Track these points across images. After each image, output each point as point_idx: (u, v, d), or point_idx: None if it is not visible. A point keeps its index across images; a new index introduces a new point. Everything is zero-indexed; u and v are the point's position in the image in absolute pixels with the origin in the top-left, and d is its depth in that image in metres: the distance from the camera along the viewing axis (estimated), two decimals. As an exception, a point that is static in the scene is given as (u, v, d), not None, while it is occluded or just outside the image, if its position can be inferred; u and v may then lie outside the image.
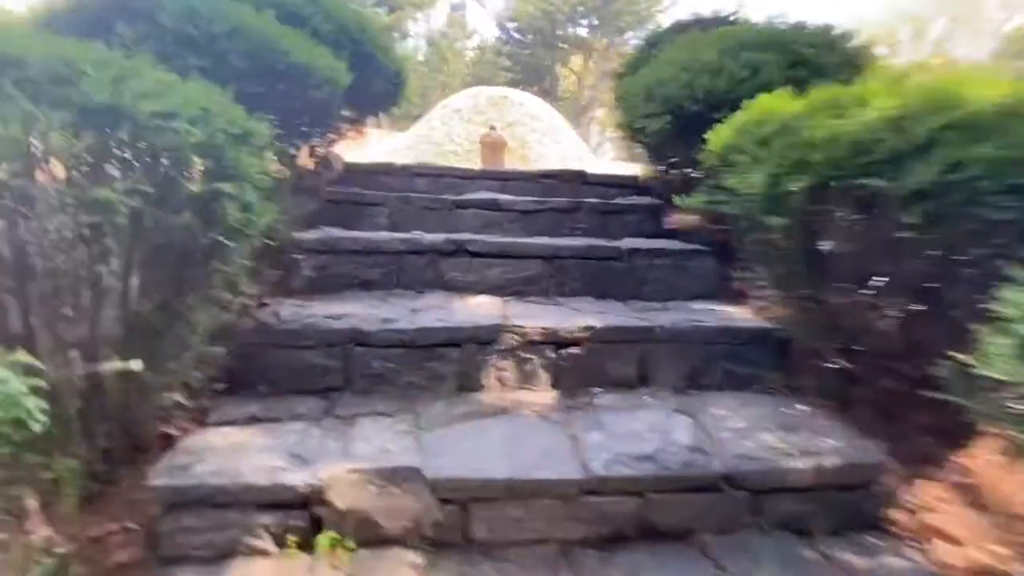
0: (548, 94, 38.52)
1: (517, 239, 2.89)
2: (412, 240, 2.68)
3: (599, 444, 1.75)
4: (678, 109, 2.66)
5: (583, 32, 33.51)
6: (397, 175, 3.88)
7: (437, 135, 10.97)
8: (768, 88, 2.31)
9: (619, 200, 3.66)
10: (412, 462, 1.60)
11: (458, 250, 2.73)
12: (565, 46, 34.20)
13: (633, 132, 3.36)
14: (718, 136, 2.06)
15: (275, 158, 3.00)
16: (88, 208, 1.39)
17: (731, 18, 3.92)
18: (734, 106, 2.48)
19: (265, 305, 2.53)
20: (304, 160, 4.09)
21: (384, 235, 2.75)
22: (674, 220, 3.64)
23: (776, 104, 1.83)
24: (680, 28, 4.06)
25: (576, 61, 36.22)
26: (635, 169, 10.13)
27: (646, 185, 4.09)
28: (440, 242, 2.70)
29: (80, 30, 2.09)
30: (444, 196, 3.39)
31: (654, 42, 4.16)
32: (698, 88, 2.54)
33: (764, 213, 1.64)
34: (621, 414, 1.97)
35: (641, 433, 1.80)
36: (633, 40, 34.78)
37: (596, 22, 32.20)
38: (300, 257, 2.57)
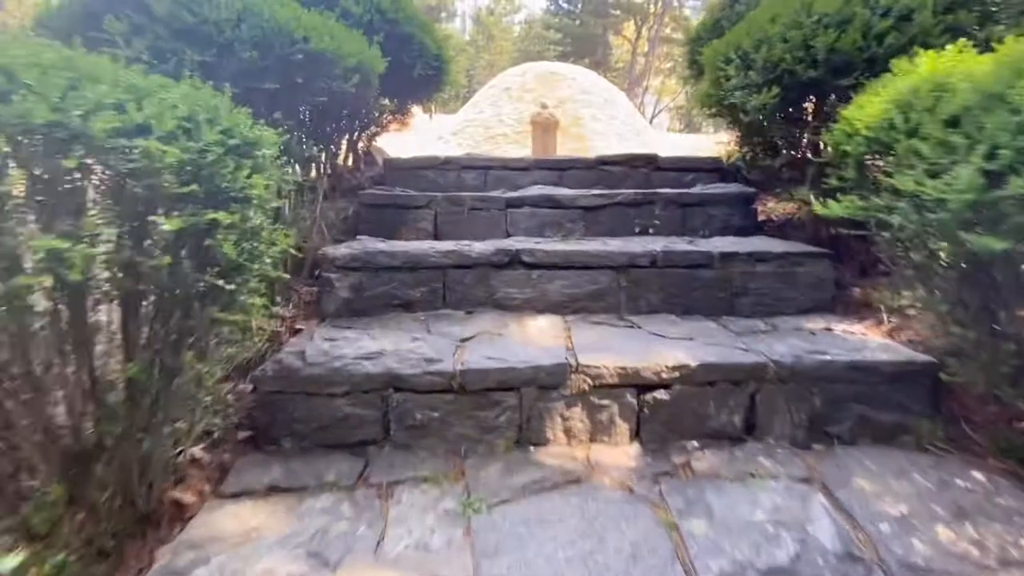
0: (600, 65, 36.97)
1: (581, 245, 2.43)
2: (458, 252, 2.28)
3: (707, 541, 1.30)
4: (788, 76, 2.07)
5: (636, -4, 31.60)
6: (442, 169, 3.49)
7: (486, 116, 10.51)
8: (924, 43, 1.71)
9: (699, 189, 3.10)
10: (460, 570, 1.23)
11: (512, 261, 2.31)
12: (617, 12, 32.46)
13: (723, 108, 2.78)
14: (864, 111, 1.49)
15: (297, 165, 2.69)
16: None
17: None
18: (870, 69, 1.88)
19: (298, 331, 2.23)
20: (343, 157, 3.79)
21: (426, 246, 2.36)
22: (775, 213, 3.06)
23: (962, 63, 1.27)
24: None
25: (629, 28, 34.34)
26: (707, 145, 9.31)
27: (731, 169, 3.49)
28: (491, 253, 2.29)
29: (74, 28, 1.81)
30: (494, 194, 2.96)
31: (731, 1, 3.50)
32: (818, 47, 1.94)
33: (963, 227, 1.10)
34: (730, 488, 1.50)
35: (764, 526, 1.34)
36: (692, 1, 32.53)
37: (650, -16, 30.21)
38: (334, 276, 2.24)
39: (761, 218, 3.07)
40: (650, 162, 3.53)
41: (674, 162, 3.53)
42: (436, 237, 2.89)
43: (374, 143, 4.19)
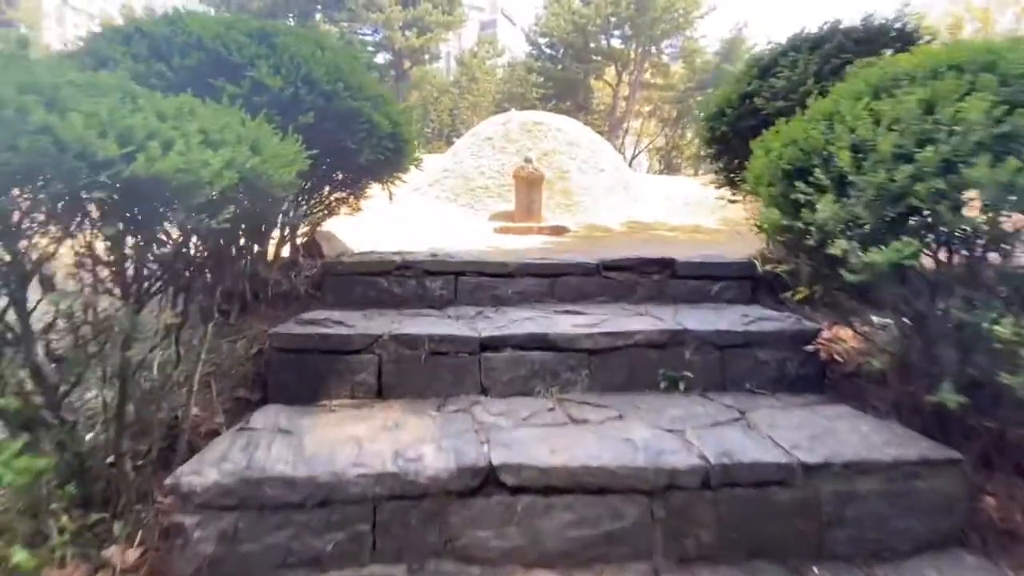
0: (582, 108, 37.33)
1: (594, 460, 1.56)
2: (399, 477, 1.42)
3: None
4: (917, 215, 1.32)
5: (616, 43, 32.17)
6: (399, 276, 2.65)
7: (466, 167, 9.84)
8: None
9: (740, 320, 2.29)
10: None
11: (485, 484, 1.46)
12: (598, 58, 32.92)
13: (799, 241, 2.00)
14: None
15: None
16: None
17: (911, 30, 2.56)
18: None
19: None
20: (274, 254, 2.94)
21: (348, 471, 1.47)
22: (841, 349, 2.27)
23: None
24: (813, 44, 2.70)
25: (610, 73, 34.87)
26: (698, 192, 8.63)
27: (766, 277, 2.73)
28: (451, 474, 1.44)
29: None
30: (464, 333, 2.11)
31: (767, 67, 2.82)
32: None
33: None
34: None
35: None
36: (670, 49, 33.24)
37: (630, 32, 30.81)
38: (190, 522, 1.35)
39: (822, 354, 2.30)
40: (665, 267, 2.75)
41: (695, 267, 2.75)
42: (380, 394, 2.02)
43: (320, 229, 3.36)
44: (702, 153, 3.32)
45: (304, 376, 2.01)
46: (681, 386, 2.06)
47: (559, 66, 32.75)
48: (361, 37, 29.11)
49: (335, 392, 2.01)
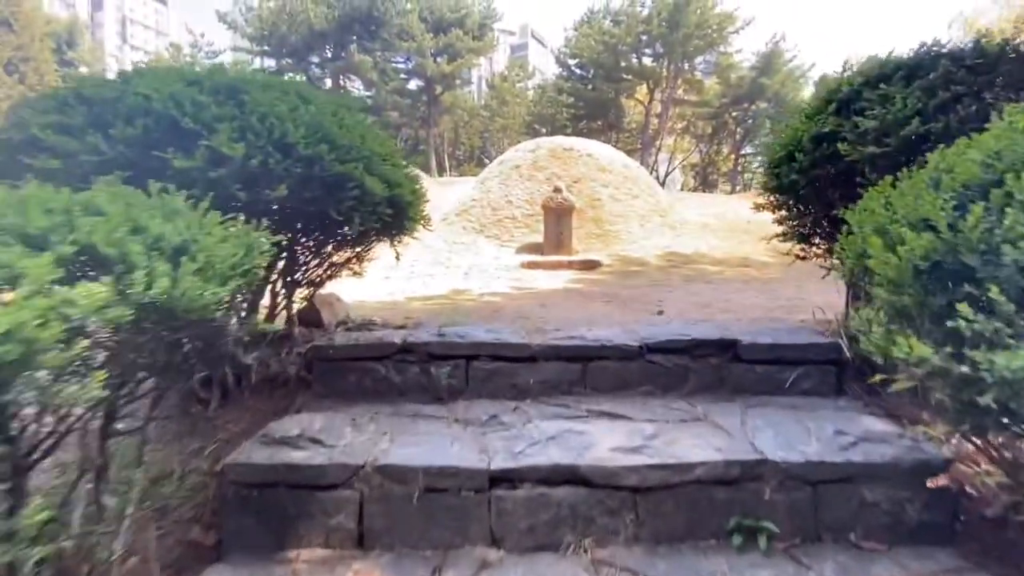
0: (613, 127, 36.89)
1: None
2: None
3: None
4: None
5: (648, 61, 31.69)
6: (401, 361, 2.22)
7: (493, 196, 9.49)
8: None
9: (839, 444, 1.73)
10: None
11: None
12: (629, 77, 32.48)
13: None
14: None
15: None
16: None
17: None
18: None
19: None
20: (265, 321, 2.56)
21: None
22: (978, 482, 1.68)
23: None
24: (908, 73, 2.15)
25: (641, 91, 34.36)
26: (744, 214, 8.02)
27: (858, 360, 2.16)
28: None
29: None
30: (468, 463, 1.63)
31: (846, 100, 2.28)
32: None
33: None
34: None
35: None
36: (703, 64, 32.50)
37: (661, 50, 30.30)
38: None
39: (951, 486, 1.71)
40: (725, 349, 2.21)
41: (763, 350, 2.20)
42: (361, 543, 1.57)
43: (322, 292, 2.98)
44: (763, 201, 2.77)
45: (267, 519, 1.57)
46: (761, 541, 1.52)
47: (589, 86, 32.46)
48: (394, 65, 29.68)
49: (305, 539, 1.56)
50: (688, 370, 2.20)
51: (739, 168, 41.10)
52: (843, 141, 2.15)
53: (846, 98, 2.30)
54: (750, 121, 36.39)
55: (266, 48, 26.64)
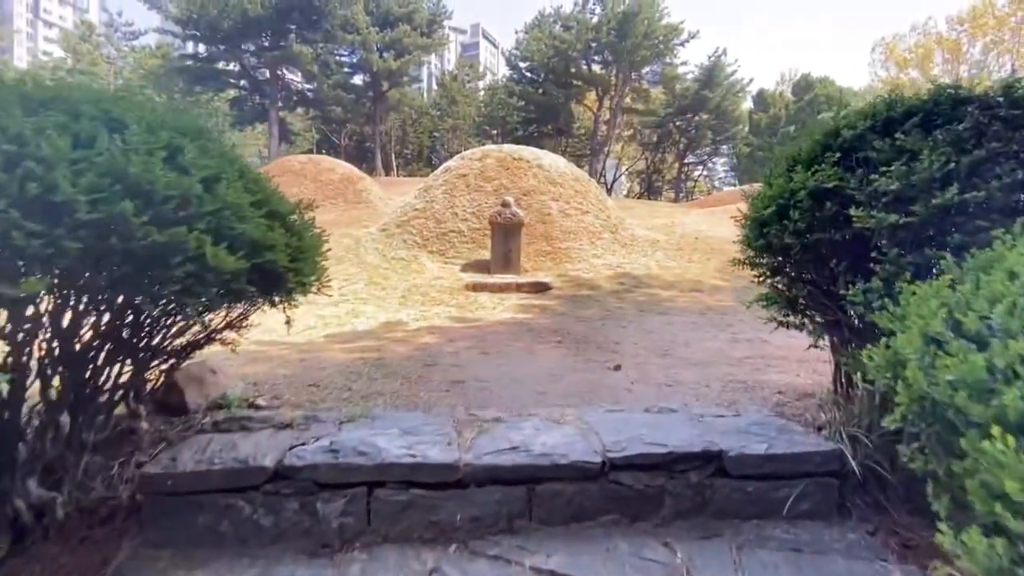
0: (563, 132, 36.89)
1: None
2: None
3: None
4: None
5: (597, 68, 31.82)
6: (272, 494, 1.57)
7: (438, 208, 8.80)
8: None
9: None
10: None
11: None
12: (579, 83, 32.51)
13: None
14: None
15: None
16: None
17: None
18: None
19: None
20: (101, 425, 1.83)
21: None
22: None
23: None
24: (924, 119, 1.75)
25: (591, 97, 34.51)
26: (689, 225, 7.79)
27: (863, 473, 1.73)
28: None
29: None
30: None
31: (850, 148, 1.86)
32: None
33: None
34: None
35: None
36: (650, 75, 33.00)
37: (610, 57, 30.48)
38: None
39: None
40: (709, 461, 1.73)
41: (754, 463, 1.72)
42: None
43: (182, 368, 2.24)
44: (742, 257, 2.31)
45: None
46: None
47: (540, 90, 32.20)
48: (338, 58, 28.14)
49: None
50: (663, 492, 1.69)
51: (683, 176, 42.32)
52: (852, 202, 1.71)
53: (849, 145, 1.86)
54: (693, 131, 37.46)
55: (195, 33, 24.50)
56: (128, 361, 1.78)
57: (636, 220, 14.54)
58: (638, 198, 44.79)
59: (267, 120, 27.42)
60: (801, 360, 3.21)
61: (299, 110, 32.75)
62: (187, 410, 2.17)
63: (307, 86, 28.56)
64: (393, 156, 37.86)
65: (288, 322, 2.12)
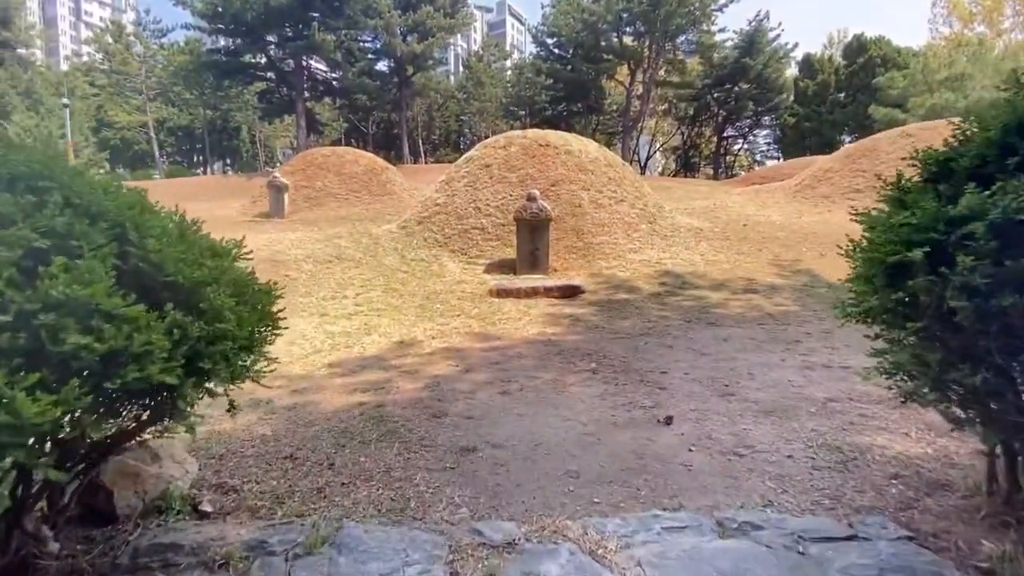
0: (593, 110, 35.49)
1: None
2: None
3: None
4: None
5: (629, 40, 30.18)
6: None
7: (459, 203, 8.22)
8: None
9: None
10: None
11: None
12: (610, 57, 30.97)
13: None
14: None
15: None
16: None
17: None
18: None
19: None
20: None
21: None
22: None
23: None
24: None
25: (622, 72, 32.88)
26: (734, 208, 6.98)
27: None
28: None
29: None
30: None
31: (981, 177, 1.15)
32: None
33: None
34: None
35: None
36: (685, 44, 31.07)
37: (643, 28, 28.80)
38: None
39: None
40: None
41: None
42: None
43: (115, 460, 1.77)
44: (854, 308, 1.62)
45: None
46: None
47: (568, 67, 30.85)
48: (361, 45, 27.63)
49: None
50: None
51: (722, 151, 40.15)
52: None
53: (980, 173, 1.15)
54: (733, 103, 35.29)
55: (220, 26, 24.43)
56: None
57: (675, 203, 13.58)
58: (674, 176, 42.92)
59: (295, 112, 27.32)
60: (903, 411, 2.50)
61: (326, 100, 32.58)
62: (116, 517, 1.69)
63: (332, 75, 28.26)
64: (420, 142, 37.40)
65: (231, 409, 1.58)
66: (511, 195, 7.91)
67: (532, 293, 5.79)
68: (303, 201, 13.60)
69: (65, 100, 23.10)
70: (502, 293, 5.80)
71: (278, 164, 45.98)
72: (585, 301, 5.57)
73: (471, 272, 6.79)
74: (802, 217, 9.72)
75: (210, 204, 18.63)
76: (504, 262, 6.99)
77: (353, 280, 6.41)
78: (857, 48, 28.62)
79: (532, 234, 6.69)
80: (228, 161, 40.27)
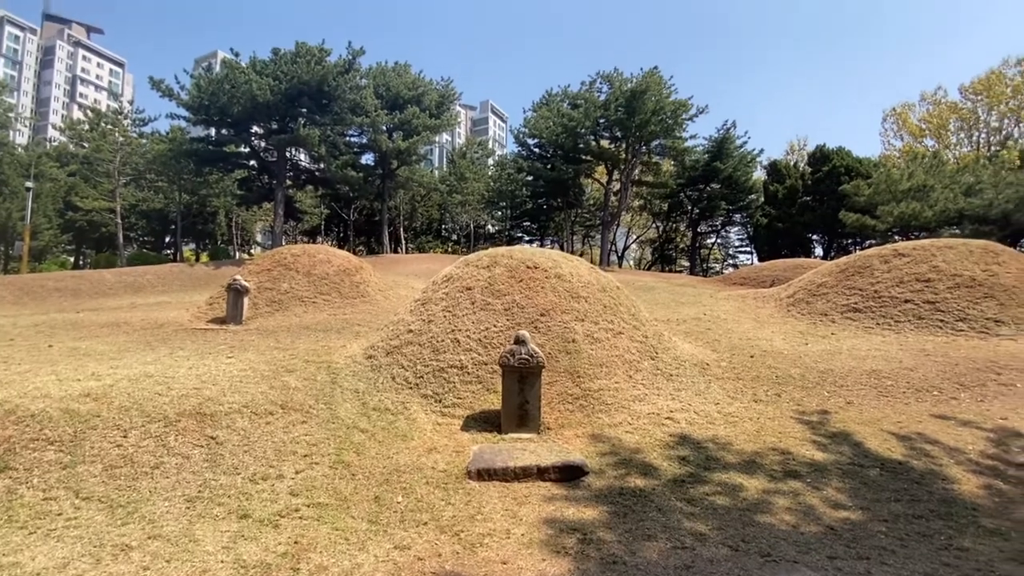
0: (573, 205, 36.15)
1: None
2: None
3: None
4: None
5: (606, 144, 31.40)
6: None
7: (436, 331, 7.14)
8: None
9: None
10: None
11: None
12: (588, 158, 32.03)
13: None
14: None
15: None
16: None
17: None
18: None
19: None
20: None
21: None
22: None
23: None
24: None
25: (600, 170, 33.97)
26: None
27: None
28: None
29: None
30: None
31: None
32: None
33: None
34: None
35: None
36: (658, 147, 32.45)
37: (619, 134, 30.08)
38: None
39: None
40: None
41: None
42: None
43: None
44: None
45: None
46: None
47: (548, 165, 31.71)
48: (346, 139, 27.95)
49: None
50: None
51: (697, 245, 41.06)
52: None
53: None
54: (705, 201, 36.55)
55: (205, 118, 24.39)
56: None
57: (664, 311, 12.77)
58: (651, 267, 43.43)
59: (274, 199, 26.83)
60: None
61: (308, 187, 32.44)
62: None
63: (316, 167, 28.24)
64: (402, 230, 37.20)
65: None
66: (495, 326, 6.88)
67: (523, 475, 4.53)
68: (265, 305, 12.37)
69: (29, 183, 22.11)
70: (484, 475, 4.52)
71: (253, 249, 45.00)
72: (590, 490, 4.33)
73: (446, 430, 5.53)
74: (808, 344, 8.88)
75: (163, 299, 17.21)
76: (487, 415, 5.78)
77: (297, 444, 5.05)
78: (820, 157, 30.26)
79: (521, 384, 5.56)
80: (204, 243, 39.17)
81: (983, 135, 30.33)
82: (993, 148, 29.27)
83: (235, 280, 11.76)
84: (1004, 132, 30.03)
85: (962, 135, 31.51)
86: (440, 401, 6.07)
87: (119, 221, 25.19)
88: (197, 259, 33.72)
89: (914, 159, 25.88)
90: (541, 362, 5.58)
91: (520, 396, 5.54)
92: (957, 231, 20.39)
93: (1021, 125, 29.20)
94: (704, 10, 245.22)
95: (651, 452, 5.02)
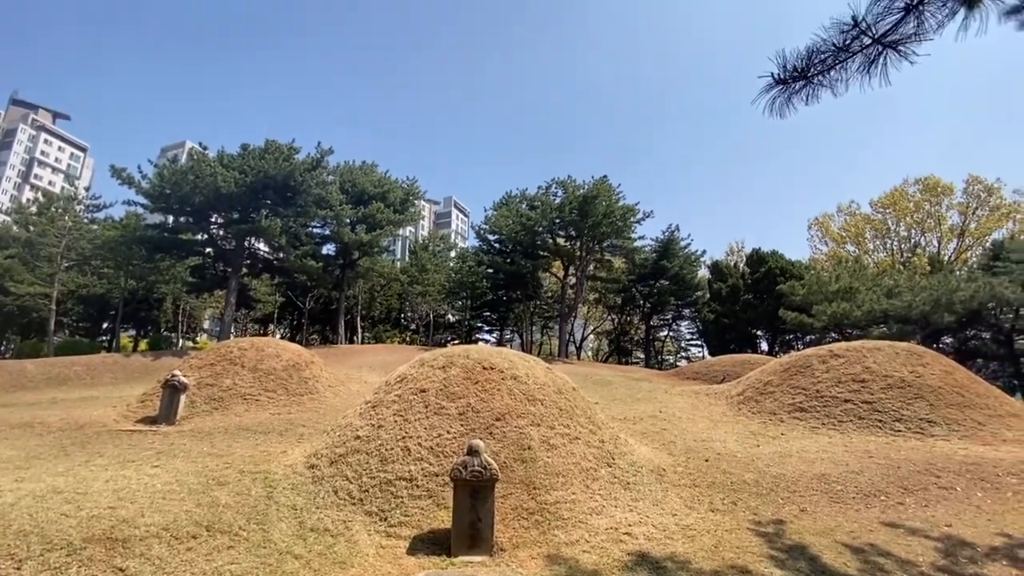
0: (531, 297, 36.93)
1: None
2: None
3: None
4: None
5: (562, 241, 33.05)
6: None
7: (385, 437, 6.80)
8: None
9: None
10: None
11: None
12: (545, 254, 33.42)
13: None
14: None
15: None
16: None
17: None
18: None
19: None
20: None
21: None
22: None
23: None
24: None
25: (557, 265, 35.37)
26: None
27: None
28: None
29: None
30: None
31: None
32: None
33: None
34: None
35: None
36: (610, 246, 34.40)
37: (574, 233, 31.82)
38: None
39: None
40: None
41: None
42: None
43: None
44: None
45: None
46: None
47: (508, 260, 32.84)
48: (309, 230, 28.20)
49: None
50: None
51: (651, 337, 42.25)
52: None
53: None
54: (656, 297, 38.29)
55: (163, 205, 24.20)
56: None
57: (620, 407, 12.72)
58: (607, 358, 43.97)
59: (227, 287, 26.09)
60: None
61: (264, 276, 31.91)
62: None
63: (275, 256, 28.02)
64: (359, 319, 36.57)
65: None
66: (448, 432, 6.63)
67: (471, 609, 4.13)
68: (204, 403, 11.52)
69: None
70: (429, 610, 4.10)
71: (200, 337, 42.71)
72: (545, 626, 3.97)
73: (391, 554, 5.06)
74: (760, 446, 8.97)
75: (90, 394, 15.76)
76: (436, 535, 5.36)
77: (219, 576, 4.47)
78: (757, 259, 32.73)
79: (473, 499, 5.25)
80: (146, 330, 36.98)
81: (895, 243, 33.91)
82: (905, 255, 32.61)
83: (173, 376, 11.00)
84: (912, 240, 33.71)
85: (877, 242, 35.10)
86: (386, 519, 5.62)
87: (53, 308, 23.63)
88: (135, 348, 31.59)
89: (839, 263, 28.37)
90: (495, 475, 5.35)
91: (472, 513, 5.22)
92: (885, 329, 21.93)
93: (926, 235, 32.90)
94: (652, 126, 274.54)
95: (609, 575, 4.74)
